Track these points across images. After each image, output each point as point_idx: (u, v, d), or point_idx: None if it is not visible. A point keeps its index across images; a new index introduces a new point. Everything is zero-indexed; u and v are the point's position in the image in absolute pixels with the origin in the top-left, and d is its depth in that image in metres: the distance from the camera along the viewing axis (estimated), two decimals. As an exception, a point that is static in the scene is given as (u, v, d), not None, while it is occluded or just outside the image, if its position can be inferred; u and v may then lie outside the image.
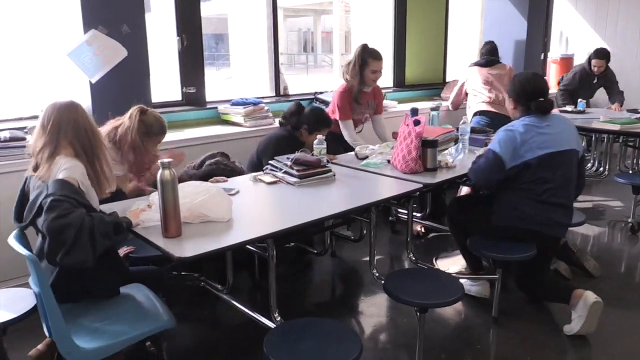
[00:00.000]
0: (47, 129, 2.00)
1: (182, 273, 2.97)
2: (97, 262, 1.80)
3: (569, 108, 5.63)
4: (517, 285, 2.95)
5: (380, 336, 2.82)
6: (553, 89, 7.09)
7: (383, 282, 2.30)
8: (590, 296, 2.62)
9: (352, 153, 3.35)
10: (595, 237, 4.12)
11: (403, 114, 3.17)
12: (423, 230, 3.98)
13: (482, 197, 3.12)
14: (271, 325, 2.34)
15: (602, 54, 5.69)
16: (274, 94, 4.88)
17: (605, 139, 5.25)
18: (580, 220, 3.29)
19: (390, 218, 4.10)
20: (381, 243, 3.84)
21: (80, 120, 2.07)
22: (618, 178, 4.25)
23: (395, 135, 3.36)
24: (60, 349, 1.82)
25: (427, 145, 2.92)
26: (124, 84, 3.31)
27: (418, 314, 2.23)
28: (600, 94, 6.10)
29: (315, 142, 2.99)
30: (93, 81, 3.16)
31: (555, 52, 7.40)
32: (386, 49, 5.77)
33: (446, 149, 3.32)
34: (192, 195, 2.08)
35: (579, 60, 7.19)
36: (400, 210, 3.91)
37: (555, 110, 5.71)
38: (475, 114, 4.67)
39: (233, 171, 3.08)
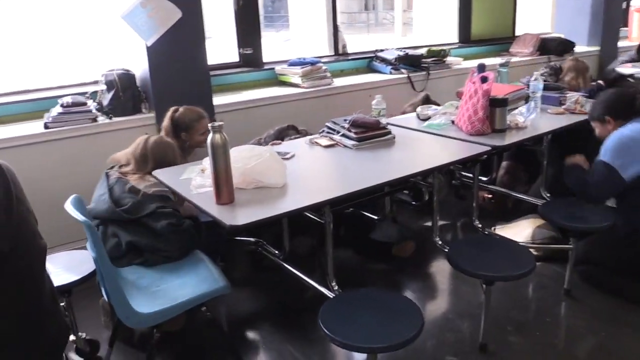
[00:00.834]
0: (138, 157, 2.41)
1: (241, 238, 2.95)
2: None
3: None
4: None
5: (443, 306, 2.71)
6: (635, 41, 6.52)
7: (447, 250, 2.17)
8: None
9: (414, 114, 3.17)
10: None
11: (468, 71, 2.95)
12: (490, 196, 3.76)
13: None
14: (329, 294, 2.28)
15: None
16: (333, 53, 4.71)
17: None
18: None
19: (453, 182, 3.90)
20: (444, 208, 3.68)
21: (166, 158, 2.44)
22: None
23: (459, 94, 3.15)
24: (119, 313, 1.84)
25: (496, 104, 2.70)
26: (180, 46, 3.25)
27: (484, 286, 2.10)
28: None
29: (374, 102, 2.83)
30: (149, 44, 3.12)
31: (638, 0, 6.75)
32: (451, 1, 5.45)
33: (516, 108, 3.08)
34: (245, 160, 2.01)
35: (667, 7, 6.55)
36: (464, 174, 3.71)
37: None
38: None
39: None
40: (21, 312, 1.44)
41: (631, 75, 4.79)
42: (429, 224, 3.47)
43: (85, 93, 3.28)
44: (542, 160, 3.23)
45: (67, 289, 2.17)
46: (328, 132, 2.71)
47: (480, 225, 2.95)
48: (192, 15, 3.26)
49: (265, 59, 4.26)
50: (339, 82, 4.13)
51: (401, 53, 4.41)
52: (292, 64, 4.06)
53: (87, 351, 2.29)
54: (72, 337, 2.28)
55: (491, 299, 2.18)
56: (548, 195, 3.24)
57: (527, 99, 3.24)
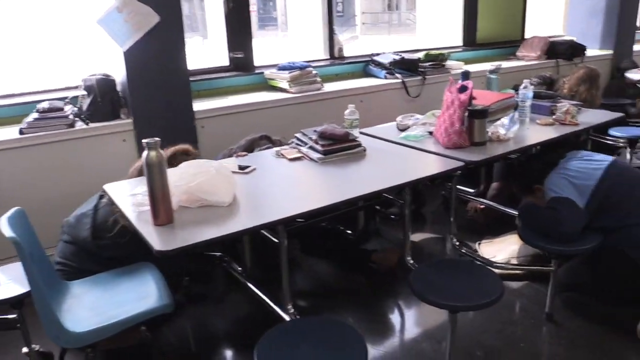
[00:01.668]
0: None
1: (208, 253, 2.87)
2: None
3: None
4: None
5: (411, 329, 2.58)
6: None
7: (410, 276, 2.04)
8: None
9: (393, 123, 3.04)
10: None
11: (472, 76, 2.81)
12: (482, 207, 3.61)
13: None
14: (285, 317, 2.17)
15: None
16: (328, 57, 4.60)
17: None
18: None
19: (442, 192, 3.77)
20: (432, 220, 3.55)
21: None
22: None
23: None
24: (47, 333, 1.77)
25: (475, 116, 2.56)
26: (158, 50, 3.19)
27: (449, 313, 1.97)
28: None
29: (346, 112, 2.72)
30: (124, 49, 3.06)
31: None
32: (454, 2, 5.28)
33: (504, 117, 2.93)
34: (190, 176, 1.92)
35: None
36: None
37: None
38: None
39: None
40: None
41: (639, 82, 4.57)
42: (414, 237, 3.35)
43: (66, 98, 3.24)
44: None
45: (19, 301, 2.12)
46: (297, 144, 2.61)
47: (457, 243, 2.81)
48: (171, 19, 3.19)
49: (264, 61, 4.17)
50: (330, 87, 4.01)
51: (397, 57, 4.27)
52: (281, 68, 3.95)
53: (40, 364, 2.25)
54: (25, 350, 2.24)
55: (465, 320, 2.04)
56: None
57: (516, 107, 3.09)
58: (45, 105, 3.06)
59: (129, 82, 3.15)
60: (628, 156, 4.14)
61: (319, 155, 2.43)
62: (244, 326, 2.56)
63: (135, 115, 3.18)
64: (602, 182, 2.43)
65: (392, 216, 3.30)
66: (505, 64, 4.94)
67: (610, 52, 5.55)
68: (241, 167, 2.38)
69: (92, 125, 3.12)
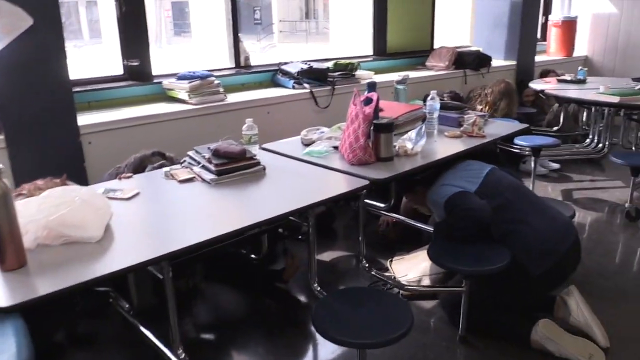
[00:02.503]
0: None
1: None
2: None
3: (568, 77, 5.09)
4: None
5: None
6: (553, 55, 6.52)
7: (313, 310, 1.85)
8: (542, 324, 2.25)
9: (298, 137, 2.86)
10: (587, 226, 3.64)
11: (381, 85, 2.67)
12: (394, 220, 3.49)
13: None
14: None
15: None
16: (234, 65, 4.36)
17: (606, 112, 4.70)
18: (569, 214, 2.83)
19: (354, 207, 3.62)
20: (340, 236, 3.40)
21: None
22: (614, 157, 3.73)
23: None
24: None
25: (380, 130, 2.42)
26: (33, 57, 2.81)
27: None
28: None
29: (244, 127, 2.50)
30: (-11, 56, 2.67)
31: (556, 14, 6.76)
32: (366, 12, 5.21)
33: (412, 129, 2.82)
34: (51, 208, 1.62)
35: (583, 23, 6.59)
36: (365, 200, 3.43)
37: (553, 79, 5.19)
38: None
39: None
40: None
41: (542, 91, 4.69)
42: (325, 256, 3.18)
43: None
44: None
45: None
46: (190, 163, 2.35)
47: (367, 265, 2.65)
48: (47, 23, 2.83)
49: (170, 69, 3.86)
50: (235, 97, 3.77)
51: (305, 66, 4.10)
52: (181, 77, 3.66)
53: None
54: None
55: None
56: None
57: (424, 119, 3.00)
58: None
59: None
60: (532, 165, 4.21)
61: (212, 176, 2.18)
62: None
63: (8, 131, 2.78)
64: (483, 187, 2.41)
65: (299, 237, 3.10)
66: (415, 74, 4.93)
67: (514, 62, 5.71)
68: (122, 192, 2.09)
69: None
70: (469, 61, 5.22)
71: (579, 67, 5.17)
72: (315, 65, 4.18)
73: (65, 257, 1.58)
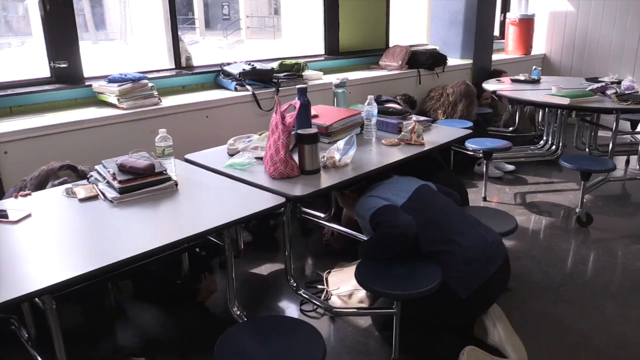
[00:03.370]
0: None
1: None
2: None
3: (522, 77, 5.01)
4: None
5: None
6: (511, 54, 6.45)
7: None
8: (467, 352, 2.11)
9: (225, 146, 2.67)
10: (540, 232, 3.55)
11: (330, 87, 2.52)
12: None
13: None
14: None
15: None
16: (174, 66, 4.14)
17: (559, 113, 4.63)
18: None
19: (298, 216, 3.46)
20: (282, 249, 3.23)
21: None
22: (565, 162, 3.63)
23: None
24: None
25: (304, 141, 2.25)
26: None
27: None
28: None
29: (157, 137, 2.30)
30: None
31: (514, 12, 6.68)
32: (316, 9, 5.04)
33: (347, 137, 2.65)
34: None
35: (540, 21, 6.53)
36: (304, 209, 3.29)
37: (507, 79, 5.11)
38: None
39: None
40: None
41: (494, 92, 4.60)
42: (263, 269, 3.02)
43: None
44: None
45: None
46: (96, 179, 2.15)
47: (295, 285, 2.49)
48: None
49: (99, 72, 3.63)
50: (171, 101, 3.56)
51: (247, 67, 3.91)
52: (112, 80, 3.44)
53: None
54: None
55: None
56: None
57: (362, 126, 2.85)
58: None
59: None
60: (484, 168, 4.12)
61: (114, 195, 1.99)
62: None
63: None
64: (410, 202, 2.31)
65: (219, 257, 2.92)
66: (368, 74, 4.79)
67: (470, 61, 5.60)
68: (14, 212, 1.89)
69: None
70: (423, 60, 5.09)
71: (533, 67, 5.09)
72: (258, 65, 4.00)
73: None
